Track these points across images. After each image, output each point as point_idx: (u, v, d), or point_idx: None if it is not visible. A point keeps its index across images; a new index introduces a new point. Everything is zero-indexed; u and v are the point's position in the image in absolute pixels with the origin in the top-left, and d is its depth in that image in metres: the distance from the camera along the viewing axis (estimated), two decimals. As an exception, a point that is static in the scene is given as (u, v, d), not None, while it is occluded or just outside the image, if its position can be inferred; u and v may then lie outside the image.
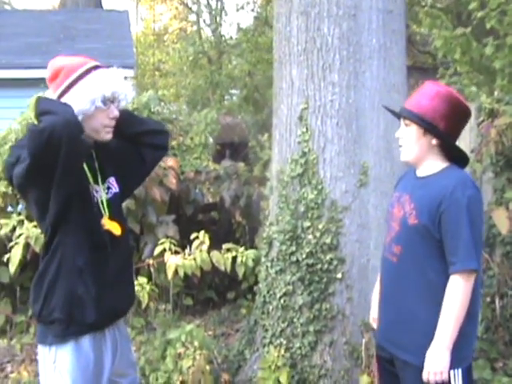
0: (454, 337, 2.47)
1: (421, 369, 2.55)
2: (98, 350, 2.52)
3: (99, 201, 2.55)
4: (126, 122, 2.65)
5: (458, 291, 2.46)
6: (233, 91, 15.19)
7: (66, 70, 2.44)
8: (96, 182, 2.56)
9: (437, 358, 2.48)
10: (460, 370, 2.54)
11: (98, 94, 2.42)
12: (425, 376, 2.52)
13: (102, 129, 2.51)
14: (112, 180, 2.66)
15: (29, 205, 2.52)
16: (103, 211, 2.54)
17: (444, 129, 2.57)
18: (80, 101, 2.38)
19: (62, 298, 2.42)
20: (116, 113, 2.52)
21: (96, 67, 2.51)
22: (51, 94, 2.48)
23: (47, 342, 2.48)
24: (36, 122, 2.32)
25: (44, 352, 2.50)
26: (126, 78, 2.59)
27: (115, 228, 2.55)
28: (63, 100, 2.40)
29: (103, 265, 2.50)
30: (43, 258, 2.49)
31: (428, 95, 2.61)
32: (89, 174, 2.52)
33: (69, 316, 2.43)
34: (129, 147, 2.71)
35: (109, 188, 2.62)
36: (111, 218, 2.55)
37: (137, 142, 2.72)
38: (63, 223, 2.41)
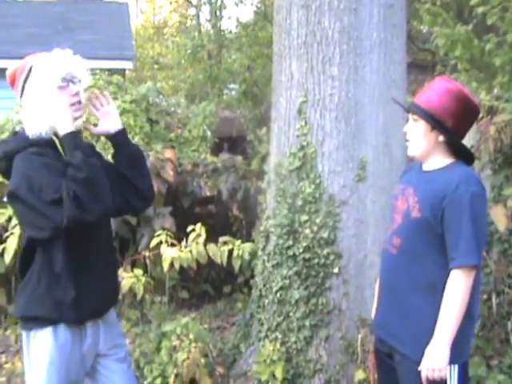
0: (454, 333, 2.46)
1: (417, 363, 2.54)
2: (76, 337, 2.60)
3: None
4: (130, 159, 2.77)
5: (458, 287, 2.45)
6: (231, 86, 15.16)
7: (19, 70, 2.59)
8: None
9: (436, 355, 2.47)
10: (457, 366, 2.53)
11: (53, 75, 2.53)
12: (423, 372, 2.51)
13: (70, 108, 2.56)
14: None
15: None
16: None
17: (452, 126, 2.57)
18: (41, 86, 2.51)
19: (42, 305, 2.53)
20: (77, 89, 2.59)
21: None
22: (17, 97, 2.61)
23: (27, 327, 2.59)
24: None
25: (25, 337, 2.61)
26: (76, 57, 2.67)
27: None
28: (26, 93, 2.54)
29: (83, 266, 2.56)
30: (23, 268, 2.61)
31: (438, 92, 2.60)
32: None
33: (49, 319, 2.53)
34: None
35: None
36: None
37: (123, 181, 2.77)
38: None
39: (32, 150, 2.46)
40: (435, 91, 2.61)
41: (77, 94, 2.59)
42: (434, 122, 2.56)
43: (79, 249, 2.54)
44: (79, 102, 2.60)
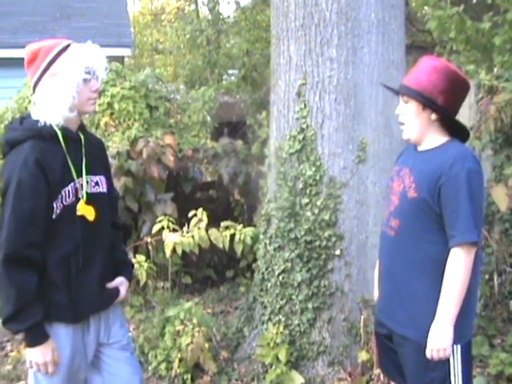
0: (457, 312, 2.46)
1: (419, 343, 2.54)
2: (78, 328, 2.58)
3: (79, 189, 2.55)
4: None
5: (459, 264, 2.44)
6: (231, 71, 15.10)
7: (45, 50, 2.49)
8: (79, 175, 2.56)
9: (440, 335, 2.47)
10: (459, 346, 2.54)
11: (81, 66, 2.48)
12: (428, 353, 2.51)
13: (86, 102, 2.55)
14: (102, 178, 2.69)
15: None
16: (81, 196, 2.54)
17: (443, 103, 2.55)
18: (67, 75, 2.45)
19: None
20: (97, 85, 2.58)
21: (71, 45, 2.55)
22: (30, 76, 2.52)
23: None
24: None
25: None
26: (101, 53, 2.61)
27: (90, 213, 2.55)
28: (46, 79, 2.46)
29: (79, 269, 2.52)
30: None
31: (425, 70, 2.59)
32: (73, 169, 2.53)
33: (47, 317, 2.48)
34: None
35: (97, 184, 2.65)
36: (88, 203, 2.56)
37: None
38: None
39: (30, 144, 2.42)
40: (422, 70, 2.60)
41: (96, 90, 2.57)
42: (425, 100, 2.55)
43: (73, 253, 2.50)
44: (95, 98, 2.59)
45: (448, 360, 2.53)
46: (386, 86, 2.96)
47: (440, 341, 2.48)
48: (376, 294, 2.96)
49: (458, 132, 2.65)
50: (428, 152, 2.62)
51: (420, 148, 2.68)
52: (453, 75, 2.56)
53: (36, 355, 2.44)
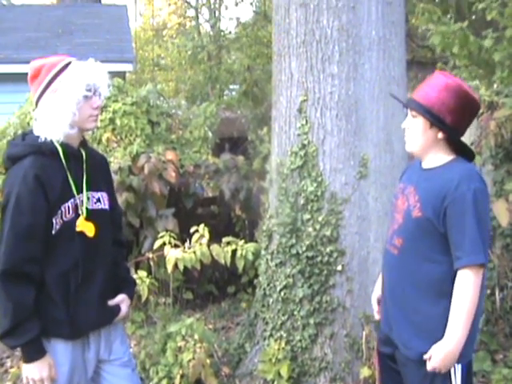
0: (466, 335, 2.42)
1: (422, 363, 2.51)
2: (77, 344, 2.58)
3: (79, 205, 2.55)
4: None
5: (467, 286, 2.40)
6: (232, 86, 15.16)
7: (47, 67, 2.52)
8: (80, 191, 2.57)
9: (444, 357, 2.44)
10: (460, 366, 2.51)
11: (82, 83, 2.50)
12: (428, 368, 2.48)
13: (87, 119, 2.56)
14: (104, 195, 2.70)
15: None
16: (81, 212, 2.55)
17: (451, 123, 2.52)
18: (68, 92, 2.48)
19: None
20: (99, 102, 2.59)
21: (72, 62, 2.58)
22: (33, 92, 2.55)
23: None
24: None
25: None
26: (104, 70, 2.64)
27: (89, 229, 2.56)
28: (48, 95, 2.49)
29: (78, 285, 2.52)
30: None
31: (437, 87, 2.54)
32: (73, 186, 2.54)
33: (46, 333, 2.48)
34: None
35: (98, 200, 2.66)
36: (88, 219, 2.57)
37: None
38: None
39: (31, 159, 2.44)
40: (434, 87, 2.56)
41: (97, 107, 2.59)
42: (433, 117, 2.52)
43: (73, 269, 2.50)
44: (97, 115, 2.60)
45: (450, 379, 2.51)
46: (395, 98, 2.93)
47: (442, 362, 2.45)
48: (375, 309, 2.94)
49: (463, 151, 2.62)
50: (433, 170, 2.59)
51: (424, 165, 2.65)
52: (463, 94, 2.52)
53: (32, 371, 2.44)
